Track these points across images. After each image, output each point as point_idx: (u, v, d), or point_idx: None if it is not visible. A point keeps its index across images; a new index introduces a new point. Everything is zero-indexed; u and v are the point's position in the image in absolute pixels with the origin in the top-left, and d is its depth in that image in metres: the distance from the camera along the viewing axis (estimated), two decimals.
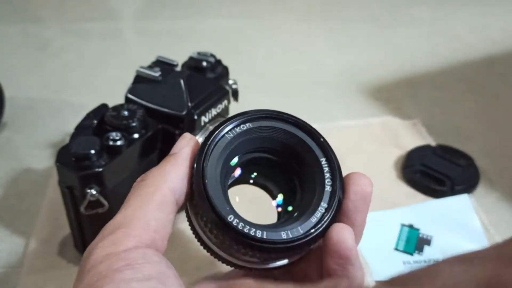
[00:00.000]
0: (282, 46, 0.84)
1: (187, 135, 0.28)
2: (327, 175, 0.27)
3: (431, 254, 0.45)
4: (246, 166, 0.29)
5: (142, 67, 0.46)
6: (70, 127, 0.45)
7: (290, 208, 0.29)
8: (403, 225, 0.47)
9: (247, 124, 0.27)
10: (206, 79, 0.49)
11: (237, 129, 0.27)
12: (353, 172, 0.27)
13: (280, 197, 0.29)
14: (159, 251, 0.24)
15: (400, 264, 0.44)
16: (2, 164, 0.56)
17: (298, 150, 0.28)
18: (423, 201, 0.51)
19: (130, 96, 0.45)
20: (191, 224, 0.27)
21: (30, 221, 0.48)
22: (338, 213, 0.26)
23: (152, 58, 0.48)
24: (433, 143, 0.57)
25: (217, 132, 0.26)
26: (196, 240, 0.27)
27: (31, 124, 0.62)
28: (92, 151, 0.39)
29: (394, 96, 0.69)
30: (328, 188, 0.26)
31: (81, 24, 0.88)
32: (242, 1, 0.98)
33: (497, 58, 0.78)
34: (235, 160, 0.28)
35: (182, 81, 0.44)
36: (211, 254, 0.27)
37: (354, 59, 0.79)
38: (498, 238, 0.47)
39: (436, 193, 0.51)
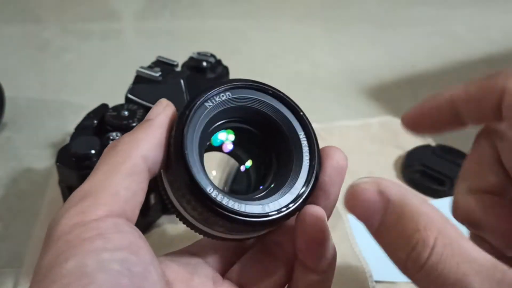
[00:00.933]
0: (282, 46, 0.84)
1: (163, 101, 0.27)
2: (305, 149, 0.27)
3: None
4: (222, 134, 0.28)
5: (142, 67, 0.46)
6: (70, 127, 0.45)
7: (265, 179, 0.28)
8: None
9: (227, 94, 0.27)
10: (206, 79, 0.49)
11: (217, 98, 0.26)
12: (328, 146, 0.27)
13: (249, 163, 0.29)
14: (130, 221, 0.23)
15: None
16: (2, 164, 0.56)
17: (277, 123, 0.28)
18: None
19: (130, 96, 0.45)
20: (164, 193, 0.26)
21: (30, 221, 0.48)
22: (315, 188, 0.26)
23: (152, 58, 0.48)
24: (433, 143, 0.57)
25: (197, 100, 0.26)
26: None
27: (31, 124, 0.62)
28: (92, 151, 0.39)
29: (394, 96, 0.69)
30: (306, 162, 0.26)
31: (81, 24, 0.88)
32: (242, 1, 0.98)
33: (497, 58, 0.78)
34: (212, 129, 0.27)
35: (182, 81, 0.44)
36: (184, 223, 0.26)
37: (354, 59, 0.79)
38: None
39: (436, 193, 0.51)
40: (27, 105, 0.66)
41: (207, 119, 0.26)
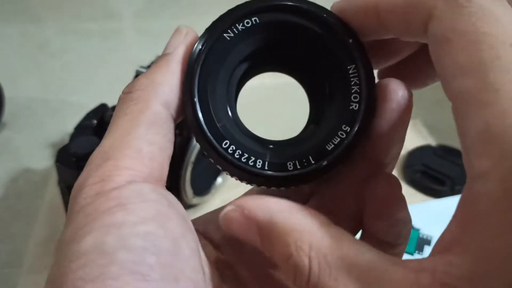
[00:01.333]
0: None
1: (182, 28, 0.22)
2: (354, 88, 0.20)
3: None
4: (251, 72, 0.23)
5: (142, 67, 0.46)
6: (70, 127, 0.45)
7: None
8: None
9: (253, 19, 0.21)
10: None
11: (239, 26, 0.21)
12: (386, 79, 0.21)
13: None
14: (158, 182, 0.20)
15: None
16: (2, 164, 0.55)
17: (318, 54, 0.21)
18: (423, 201, 0.51)
19: None
20: None
21: (30, 221, 0.48)
22: (362, 139, 0.20)
23: (152, 58, 0.48)
24: (433, 143, 0.57)
25: (211, 32, 0.21)
26: None
27: (31, 124, 0.62)
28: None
29: None
30: (353, 105, 0.20)
31: (81, 24, 0.88)
32: (242, 1, 0.98)
33: None
34: (235, 67, 0.22)
35: None
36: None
37: None
38: None
39: (436, 193, 0.51)
40: (27, 105, 0.66)
41: (228, 57, 0.21)
